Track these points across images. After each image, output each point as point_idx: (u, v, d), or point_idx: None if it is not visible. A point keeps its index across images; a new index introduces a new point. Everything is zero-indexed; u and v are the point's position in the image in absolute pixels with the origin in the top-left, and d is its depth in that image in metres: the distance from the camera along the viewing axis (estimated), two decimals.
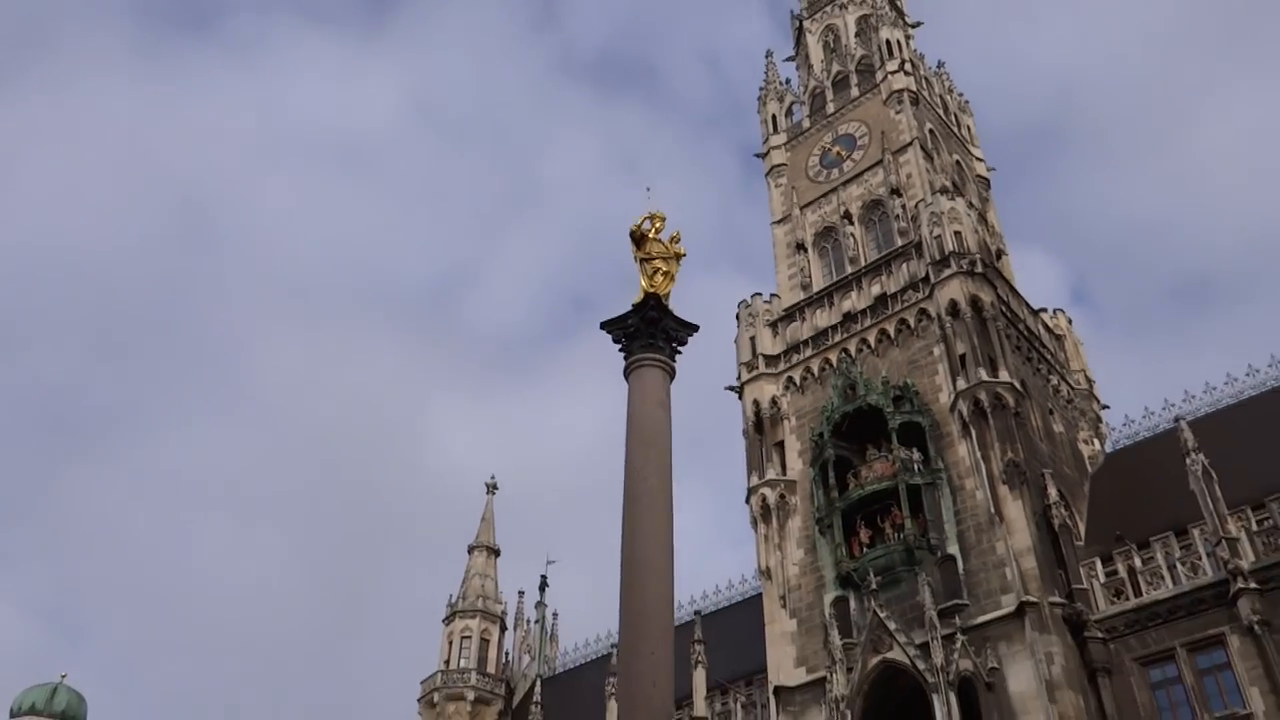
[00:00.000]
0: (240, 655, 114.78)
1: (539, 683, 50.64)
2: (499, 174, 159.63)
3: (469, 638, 54.26)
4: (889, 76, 49.34)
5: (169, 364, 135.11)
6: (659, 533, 12.71)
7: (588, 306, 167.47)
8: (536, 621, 59.48)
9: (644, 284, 14.52)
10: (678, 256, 14.98)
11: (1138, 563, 32.74)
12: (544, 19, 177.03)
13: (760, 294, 45.53)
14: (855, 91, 50.80)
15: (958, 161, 49.88)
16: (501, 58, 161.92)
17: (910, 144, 46.28)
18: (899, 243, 43.25)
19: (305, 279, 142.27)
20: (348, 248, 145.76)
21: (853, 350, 41.12)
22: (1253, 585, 29.81)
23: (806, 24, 57.96)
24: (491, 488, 60.97)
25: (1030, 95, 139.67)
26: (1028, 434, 36.70)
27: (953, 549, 34.55)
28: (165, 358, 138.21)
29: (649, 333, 14.34)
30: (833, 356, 41.65)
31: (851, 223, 46.26)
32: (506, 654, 56.73)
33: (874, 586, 33.96)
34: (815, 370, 41.99)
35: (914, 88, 48.79)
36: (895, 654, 32.55)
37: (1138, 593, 32.29)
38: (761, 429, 41.59)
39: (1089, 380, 45.71)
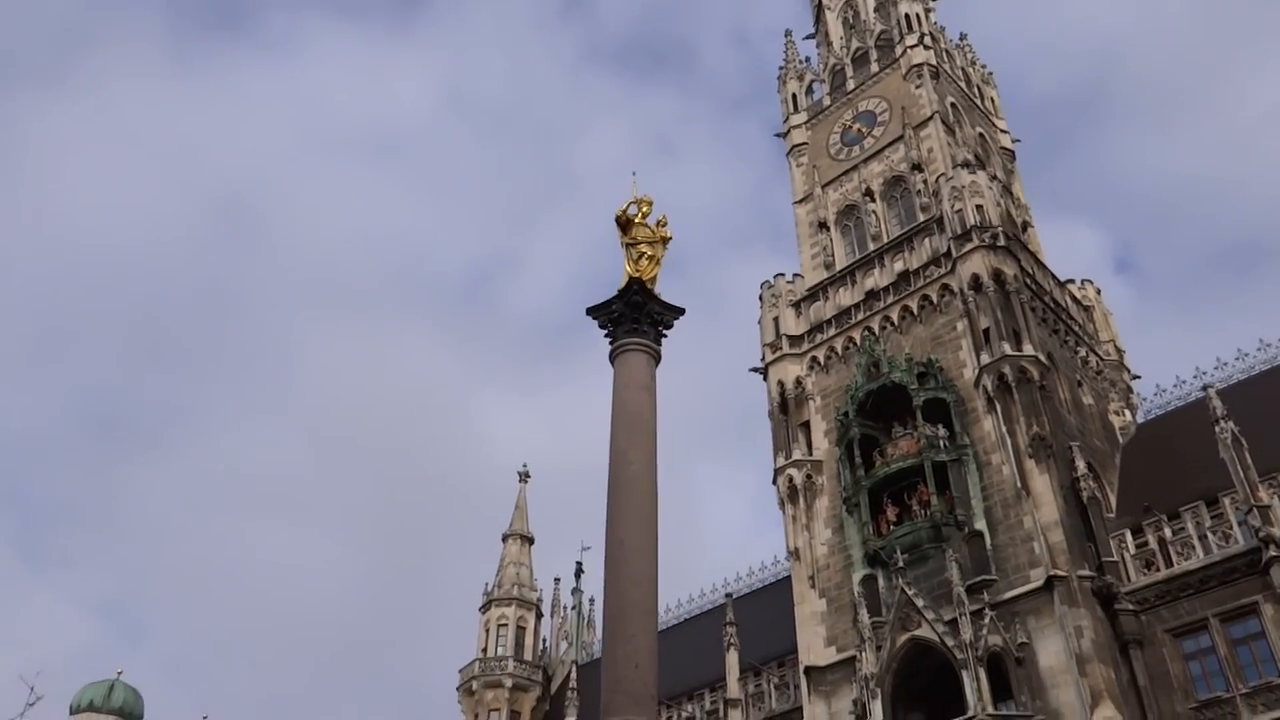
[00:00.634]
0: (291, 650, 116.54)
1: (576, 669, 50.82)
2: (533, 162, 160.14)
3: (505, 625, 54.69)
4: (908, 51, 48.81)
5: (218, 362, 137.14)
6: (643, 516, 12.73)
7: None
8: (573, 608, 59.89)
9: (628, 269, 14.55)
10: (664, 240, 14.95)
11: (1168, 533, 32.39)
12: (571, 5, 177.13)
13: (783, 274, 45.43)
14: (875, 67, 50.32)
15: (981, 134, 49.30)
16: (531, 46, 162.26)
17: (931, 118, 45.78)
18: (921, 218, 42.90)
19: (346, 273, 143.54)
20: (386, 241, 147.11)
21: (876, 328, 40.91)
22: None
23: (826, 1, 57.48)
24: (524, 476, 61.35)
25: (1069, 60, 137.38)
26: (1054, 407, 36.34)
27: (980, 525, 34.37)
28: (214, 355, 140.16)
29: (633, 317, 14.38)
30: (856, 335, 41.48)
31: (873, 200, 45.90)
32: (544, 641, 57.07)
33: (901, 564, 33.85)
34: (839, 349, 41.83)
35: (934, 61, 48.23)
36: (924, 631, 32.42)
37: (1169, 563, 31.96)
38: (786, 410, 41.53)
39: (1119, 350, 45.11)
